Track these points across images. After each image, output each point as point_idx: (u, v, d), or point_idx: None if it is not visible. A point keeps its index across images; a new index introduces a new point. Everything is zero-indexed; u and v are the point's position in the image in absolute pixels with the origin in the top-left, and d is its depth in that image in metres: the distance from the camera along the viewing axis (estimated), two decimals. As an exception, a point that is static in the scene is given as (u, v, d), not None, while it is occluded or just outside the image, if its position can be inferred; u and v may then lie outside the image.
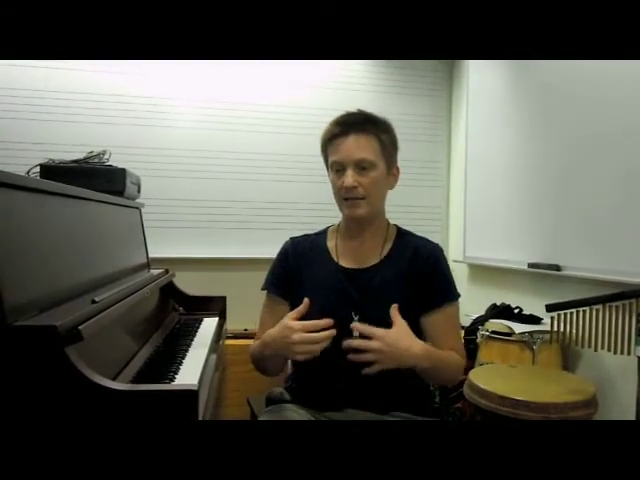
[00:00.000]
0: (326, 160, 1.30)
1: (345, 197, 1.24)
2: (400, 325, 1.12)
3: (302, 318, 1.26)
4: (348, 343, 1.09)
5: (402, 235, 1.34)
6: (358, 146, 1.21)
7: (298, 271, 1.33)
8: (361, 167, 1.22)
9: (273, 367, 1.28)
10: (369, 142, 1.23)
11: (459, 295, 1.31)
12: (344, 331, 1.15)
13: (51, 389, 0.84)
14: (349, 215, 1.27)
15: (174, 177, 2.90)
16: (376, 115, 1.28)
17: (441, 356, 1.19)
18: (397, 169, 1.32)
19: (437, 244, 1.33)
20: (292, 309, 1.30)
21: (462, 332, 1.32)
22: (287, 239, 1.40)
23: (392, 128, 1.29)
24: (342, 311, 1.22)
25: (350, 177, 1.21)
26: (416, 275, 1.27)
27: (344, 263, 1.31)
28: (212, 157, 2.95)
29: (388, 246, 1.31)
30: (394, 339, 1.08)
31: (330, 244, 1.35)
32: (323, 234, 1.39)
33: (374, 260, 1.30)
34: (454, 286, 1.31)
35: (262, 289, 1.36)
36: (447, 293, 1.28)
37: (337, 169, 1.24)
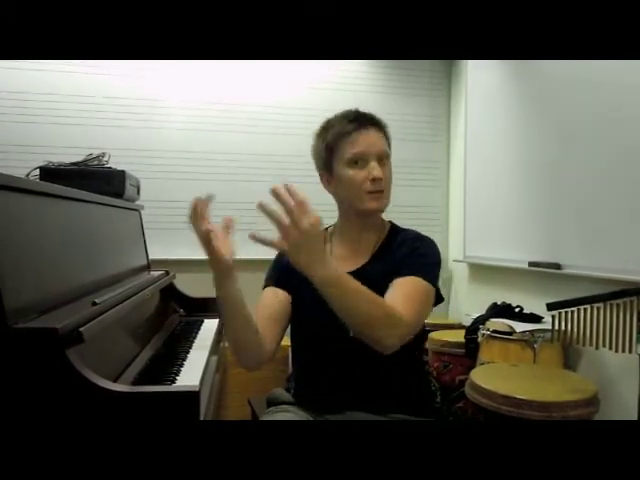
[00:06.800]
0: (331, 157, 1.24)
1: (370, 190, 1.20)
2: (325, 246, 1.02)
3: (300, 324, 1.26)
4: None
5: (395, 232, 1.31)
6: (377, 139, 1.22)
7: (298, 271, 1.31)
8: (380, 159, 1.21)
9: (242, 338, 1.15)
10: (381, 136, 1.24)
11: (435, 285, 1.20)
12: (339, 336, 1.14)
13: (52, 391, 0.84)
14: (372, 208, 1.22)
15: (174, 179, 2.89)
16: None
17: (355, 289, 1.04)
18: None
19: (430, 238, 1.28)
20: (294, 305, 1.28)
21: (428, 312, 1.23)
22: None
23: None
24: (336, 316, 1.19)
25: (377, 168, 1.19)
26: (398, 258, 1.22)
27: (337, 266, 1.28)
28: (212, 158, 2.95)
29: (379, 244, 1.30)
30: (310, 244, 0.99)
31: (326, 247, 1.33)
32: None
33: (364, 259, 1.28)
34: (432, 272, 1.21)
35: (263, 288, 1.33)
36: (417, 269, 1.18)
37: (356, 161, 1.20)
